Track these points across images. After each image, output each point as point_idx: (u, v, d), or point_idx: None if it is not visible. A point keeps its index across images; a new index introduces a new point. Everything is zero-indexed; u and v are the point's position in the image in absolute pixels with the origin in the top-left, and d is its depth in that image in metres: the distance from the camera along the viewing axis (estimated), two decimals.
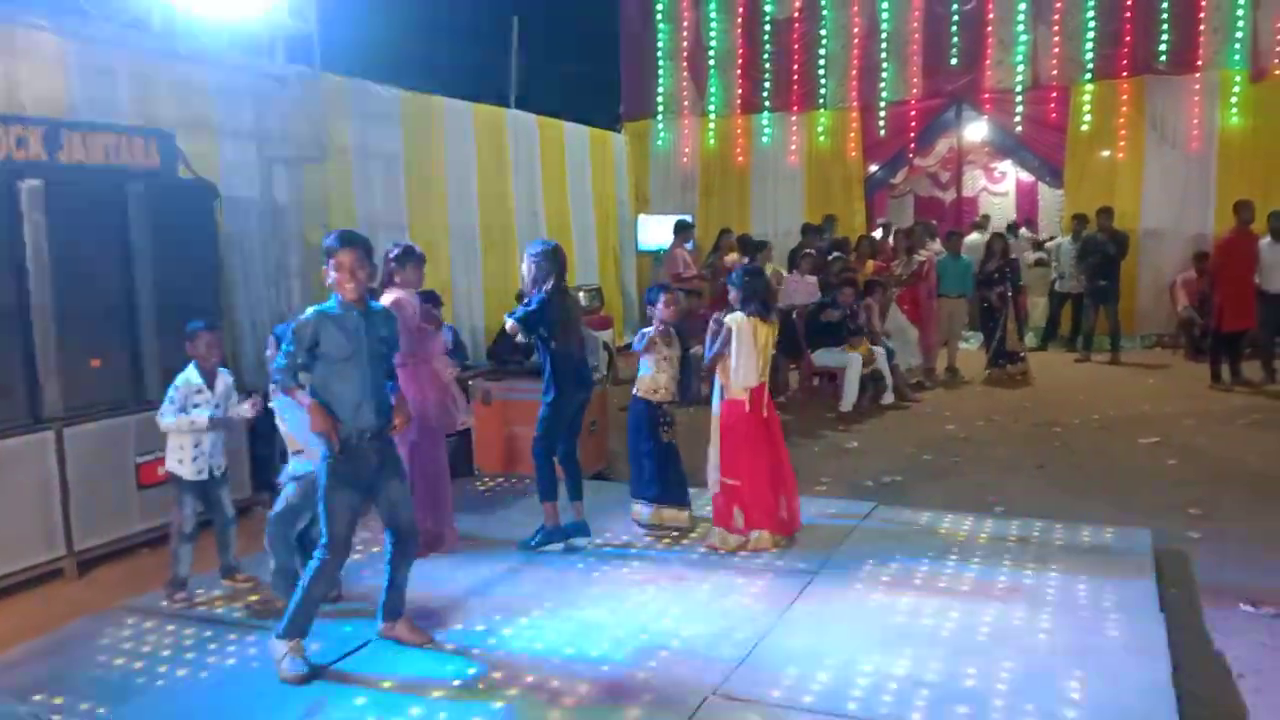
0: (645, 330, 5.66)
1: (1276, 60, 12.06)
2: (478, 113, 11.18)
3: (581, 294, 10.02)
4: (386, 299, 4.90)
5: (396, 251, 5.20)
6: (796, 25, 13.97)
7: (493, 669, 3.87)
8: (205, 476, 4.77)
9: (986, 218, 15.96)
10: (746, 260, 11.23)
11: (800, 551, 5.19)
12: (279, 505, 4.52)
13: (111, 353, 5.68)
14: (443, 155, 10.53)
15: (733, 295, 5.40)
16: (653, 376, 5.57)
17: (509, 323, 5.21)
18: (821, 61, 13.91)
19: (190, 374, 4.75)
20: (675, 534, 5.50)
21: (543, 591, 4.70)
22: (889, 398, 9.60)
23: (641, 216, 14.26)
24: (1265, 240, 9.88)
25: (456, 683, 3.77)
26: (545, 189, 12.30)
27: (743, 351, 5.23)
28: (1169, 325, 12.49)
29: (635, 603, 4.55)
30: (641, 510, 5.59)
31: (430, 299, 6.28)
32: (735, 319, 5.26)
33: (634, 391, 5.66)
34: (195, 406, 4.71)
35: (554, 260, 5.22)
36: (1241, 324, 9.91)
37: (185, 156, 6.45)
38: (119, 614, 4.58)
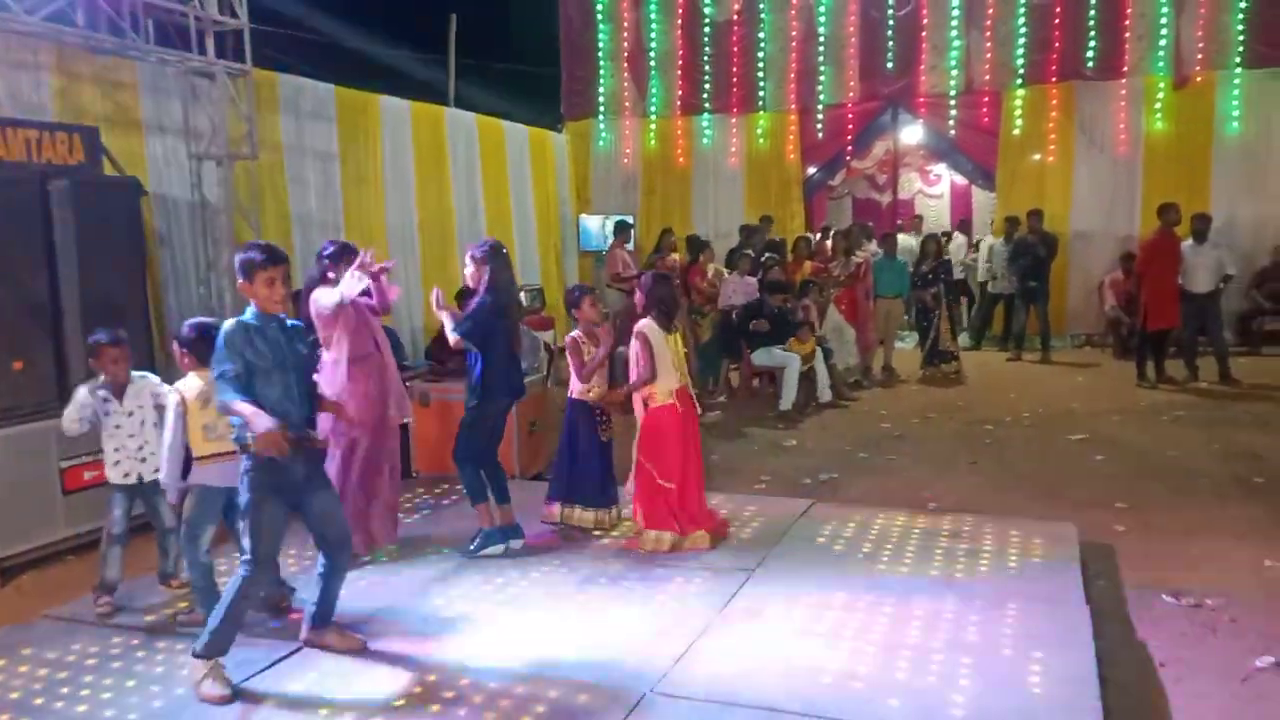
0: (571, 333, 5.61)
1: (1198, 68, 12.46)
2: (416, 110, 11.07)
3: (523, 294, 10.01)
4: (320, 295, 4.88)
5: (331, 249, 5.14)
6: (735, 28, 14.07)
7: (427, 674, 3.83)
8: (133, 481, 4.65)
9: (920, 219, 16.25)
10: (688, 260, 11.35)
11: (738, 549, 5.23)
12: (180, 521, 4.39)
13: (34, 354, 5.53)
14: (379, 153, 10.42)
15: (638, 299, 5.40)
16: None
17: (454, 338, 5.10)
18: (760, 64, 14.03)
19: (82, 395, 4.60)
20: (613, 535, 5.51)
21: (479, 594, 4.68)
22: (827, 396, 9.72)
23: (583, 216, 14.26)
24: (1188, 243, 10.20)
25: (389, 690, 3.72)
26: (485, 188, 12.23)
27: (660, 358, 5.23)
28: (1098, 325, 12.84)
29: (574, 603, 4.55)
30: (566, 511, 5.54)
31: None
32: (645, 324, 5.28)
33: (569, 394, 5.64)
34: (106, 415, 4.60)
35: (498, 259, 5.19)
36: (1165, 323, 10.22)
37: (110, 153, 6.29)
38: (43, 623, 4.45)
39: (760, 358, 9.72)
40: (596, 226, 13.75)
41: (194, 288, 8.02)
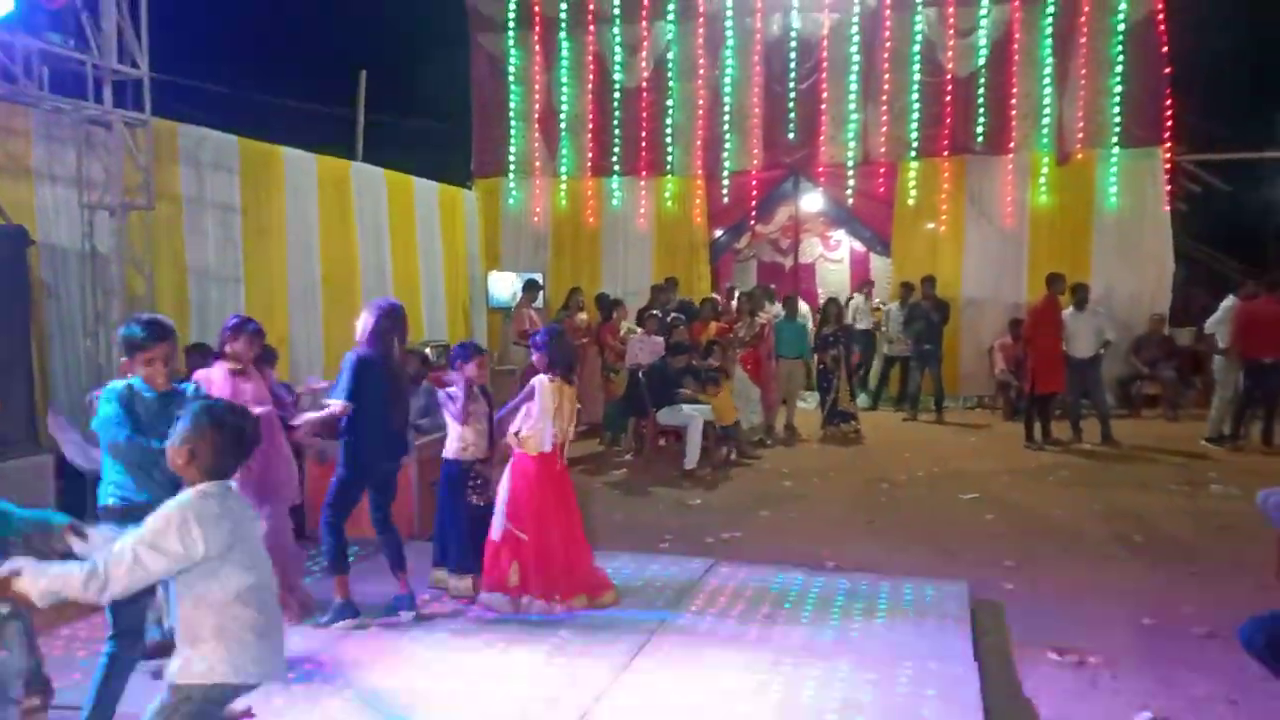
0: (450, 391, 5.51)
1: (1078, 146, 13.22)
2: (322, 164, 10.98)
3: (429, 350, 9.92)
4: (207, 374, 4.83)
5: (232, 322, 5.11)
6: (644, 95, 14.39)
7: None
8: None
9: (871, 283, 16.67)
10: (600, 319, 11.43)
11: (637, 611, 5.21)
12: None
13: None
14: (283, 206, 10.27)
15: (536, 358, 5.40)
16: (460, 435, 5.45)
17: (338, 405, 4.96)
18: (669, 130, 14.35)
19: None
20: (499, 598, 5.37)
21: (367, 660, 4.55)
22: (731, 455, 9.84)
23: (492, 273, 14.25)
24: (1069, 310, 10.72)
25: None
26: (392, 243, 12.14)
27: (544, 414, 5.23)
28: (988, 387, 13.33)
29: (469, 668, 4.47)
30: (439, 575, 5.44)
31: (266, 355, 6.10)
32: (540, 380, 5.28)
33: (443, 454, 5.54)
34: None
35: (392, 320, 5.13)
36: (1052, 387, 10.66)
37: None
38: None
39: (666, 416, 9.80)
40: (505, 284, 13.75)
41: (81, 341, 7.73)
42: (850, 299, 14.59)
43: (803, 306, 12.65)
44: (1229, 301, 10.66)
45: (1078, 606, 5.57)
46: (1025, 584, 5.97)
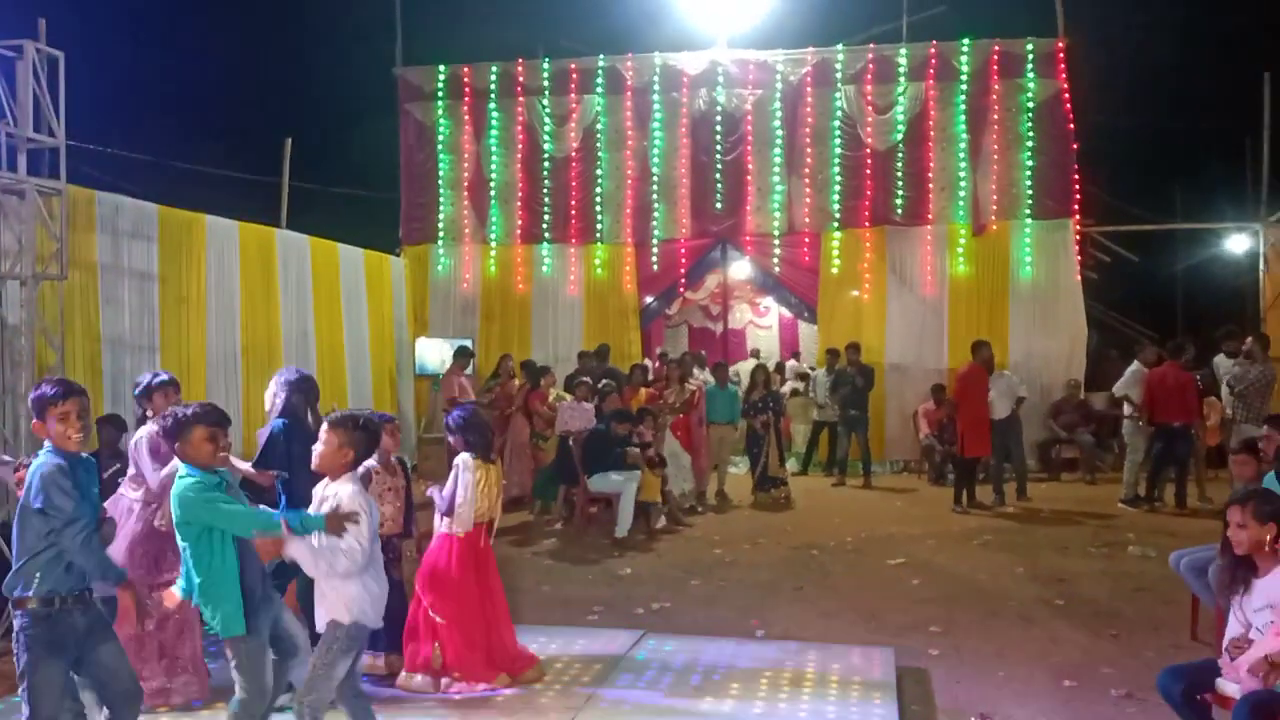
0: (366, 463, 5.44)
1: (993, 217, 13.72)
2: (245, 230, 10.85)
3: None
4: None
5: (142, 381, 4.99)
6: (574, 164, 14.58)
7: None
8: None
9: (757, 351, 16.96)
10: (529, 385, 11.36)
11: (564, 685, 5.11)
12: None
13: None
14: (203, 273, 10.10)
15: (454, 440, 5.32)
16: (379, 509, 5.34)
17: (266, 476, 4.85)
18: (598, 199, 14.53)
19: None
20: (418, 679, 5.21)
21: None
22: (662, 523, 9.80)
23: (420, 340, 14.14)
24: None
25: None
26: (317, 310, 11.98)
27: (468, 491, 5.13)
28: (914, 451, 13.55)
29: None
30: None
31: None
32: (464, 459, 5.20)
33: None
34: None
35: (301, 391, 5.04)
36: (980, 451, 10.85)
37: None
38: None
39: (597, 483, 9.74)
40: (434, 351, 13.64)
41: None
42: (780, 364, 14.83)
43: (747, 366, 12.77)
44: (1134, 367, 11.06)
45: (1001, 670, 5.62)
46: (950, 649, 6.01)
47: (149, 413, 4.93)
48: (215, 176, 15.70)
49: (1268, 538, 3.86)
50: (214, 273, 10.25)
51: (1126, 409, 11.00)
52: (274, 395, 5.03)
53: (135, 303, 9.17)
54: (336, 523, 3.73)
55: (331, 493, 3.87)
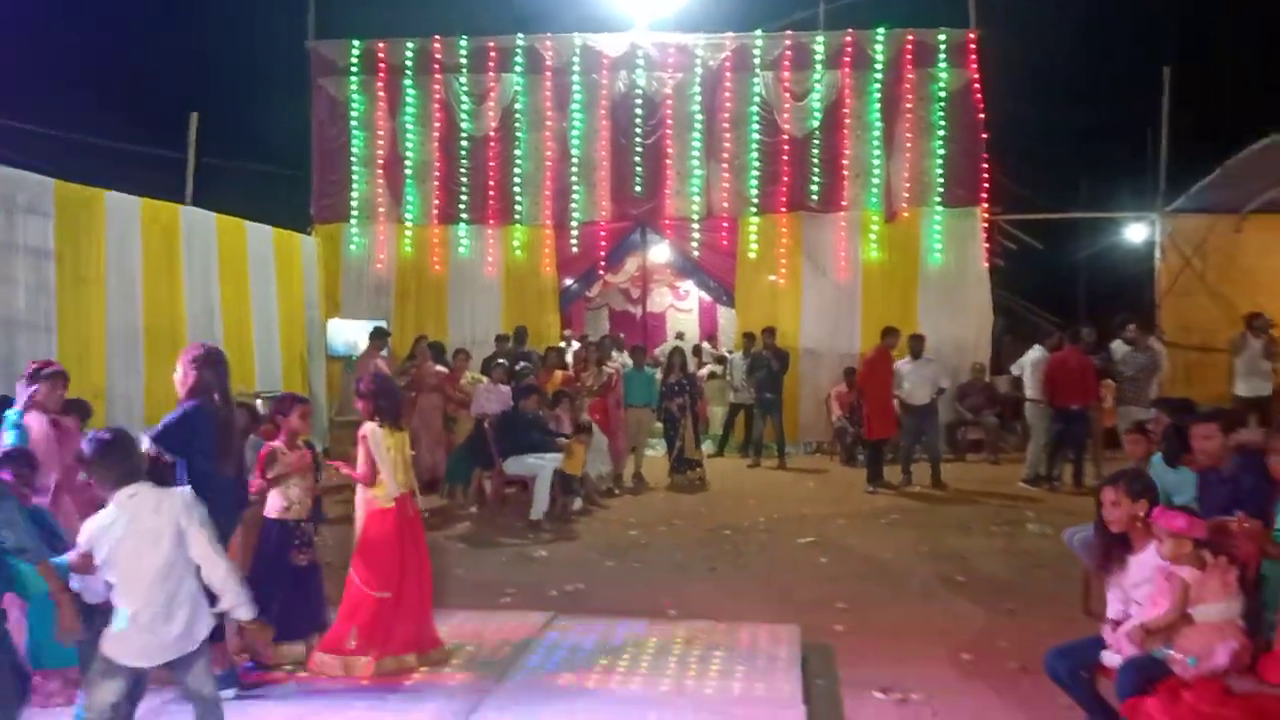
0: (274, 445, 5.29)
1: (905, 204, 14.01)
2: (147, 207, 10.48)
3: (260, 402, 9.50)
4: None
5: (28, 371, 4.80)
6: (492, 144, 14.41)
7: None
8: None
9: (682, 334, 17.05)
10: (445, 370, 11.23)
11: (476, 669, 5.10)
12: None
13: None
14: (103, 251, 9.72)
15: (362, 405, 5.27)
16: (282, 493, 5.22)
17: (145, 442, 4.65)
18: (517, 180, 14.40)
19: None
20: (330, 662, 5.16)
21: None
22: (578, 504, 9.82)
23: (332, 321, 13.86)
24: (906, 360, 11.30)
25: None
26: (224, 289, 11.64)
27: (381, 461, 5.11)
28: (826, 433, 13.81)
29: None
30: (277, 649, 5.12)
31: (78, 408, 5.75)
32: (369, 428, 5.16)
33: (263, 513, 5.28)
34: None
35: (212, 366, 4.89)
36: (884, 433, 11.15)
37: None
38: None
39: (513, 466, 9.70)
40: (346, 332, 13.39)
41: None
42: (698, 346, 14.93)
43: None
44: (1036, 351, 11.45)
45: (903, 645, 5.78)
46: (855, 625, 6.16)
47: (36, 399, 4.75)
48: (117, 151, 15.14)
49: (1140, 514, 4.04)
50: (114, 250, 9.88)
51: (1028, 391, 11.38)
52: (183, 374, 4.85)
53: (31, 281, 8.80)
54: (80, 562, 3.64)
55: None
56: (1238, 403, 10.84)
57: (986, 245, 14.09)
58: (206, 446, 4.69)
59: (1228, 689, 3.38)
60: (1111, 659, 3.98)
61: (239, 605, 3.71)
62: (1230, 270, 13.87)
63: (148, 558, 3.56)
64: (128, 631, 3.55)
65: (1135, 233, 15.45)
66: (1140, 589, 3.94)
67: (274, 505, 5.24)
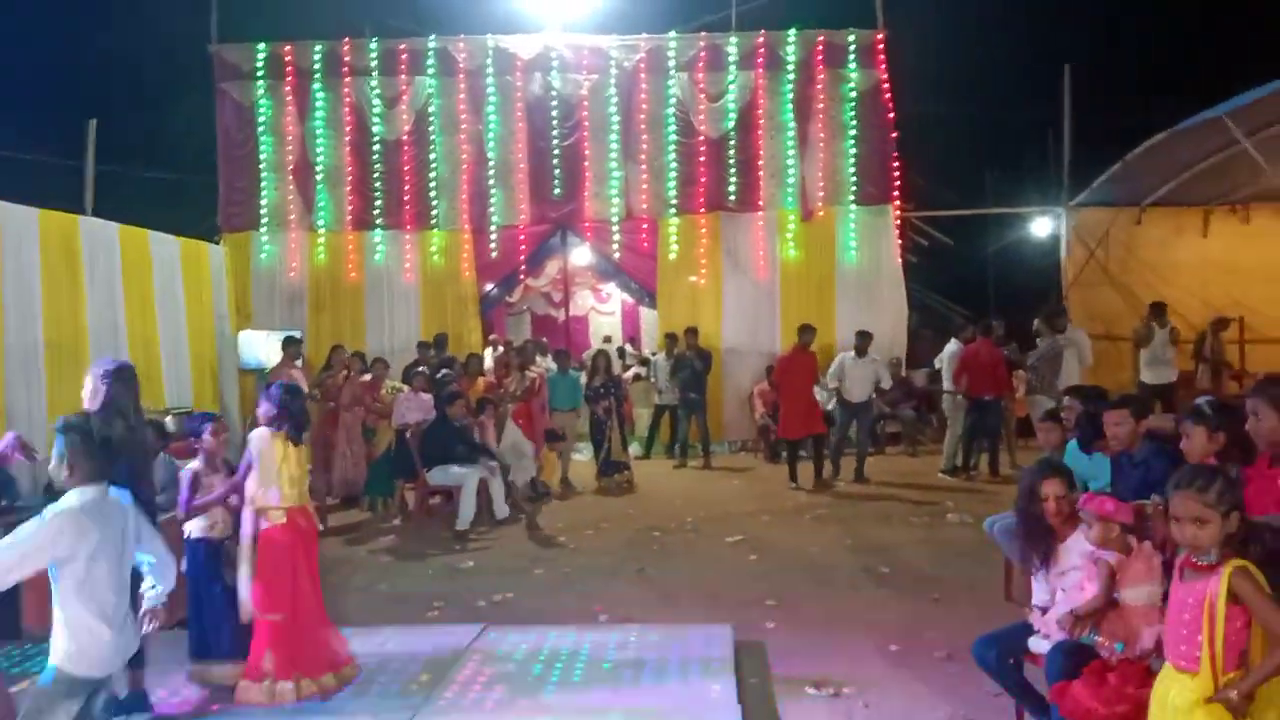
0: (190, 465, 5.14)
1: (820, 203, 14.20)
2: (45, 218, 10.00)
3: (170, 419, 9.17)
4: None
5: None
6: (406, 148, 14.17)
7: None
8: None
9: (609, 338, 17.00)
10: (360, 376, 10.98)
11: (402, 685, 4.98)
12: None
13: None
14: None
15: (264, 409, 5.11)
16: (208, 512, 5.08)
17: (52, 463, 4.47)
18: (433, 184, 14.17)
19: None
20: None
21: None
22: (504, 512, 9.69)
23: (244, 332, 13.45)
24: (850, 356, 11.46)
25: None
26: (128, 302, 11.18)
27: (267, 472, 4.93)
28: (750, 432, 13.92)
29: None
30: (200, 669, 5.00)
31: None
32: (258, 434, 5.00)
33: (187, 534, 5.11)
34: None
35: (123, 381, 4.69)
36: (794, 434, 11.17)
37: None
38: None
39: (437, 476, 9.54)
40: (259, 343, 13.01)
41: None
42: (621, 348, 14.90)
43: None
44: (952, 345, 11.72)
45: (832, 639, 5.85)
46: (786, 621, 6.21)
47: None
48: (10, 160, 14.45)
49: (1069, 501, 4.11)
50: (11, 263, 9.40)
51: (946, 384, 11.63)
52: (94, 390, 4.65)
53: None
54: None
55: None
56: (1144, 390, 11.23)
57: (900, 242, 14.36)
58: (119, 468, 4.47)
59: (1150, 670, 3.47)
60: (1038, 645, 4.06)
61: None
62: (1131, 261, 14.39)
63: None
64: (102, 637, 3.42)
65: (1041, 227, 15.90)
66: (1067, 576, 4.02)
67: (197, 526, 5.08)
